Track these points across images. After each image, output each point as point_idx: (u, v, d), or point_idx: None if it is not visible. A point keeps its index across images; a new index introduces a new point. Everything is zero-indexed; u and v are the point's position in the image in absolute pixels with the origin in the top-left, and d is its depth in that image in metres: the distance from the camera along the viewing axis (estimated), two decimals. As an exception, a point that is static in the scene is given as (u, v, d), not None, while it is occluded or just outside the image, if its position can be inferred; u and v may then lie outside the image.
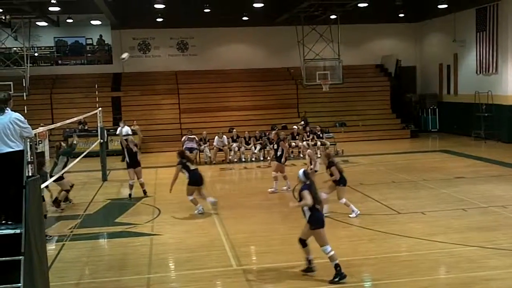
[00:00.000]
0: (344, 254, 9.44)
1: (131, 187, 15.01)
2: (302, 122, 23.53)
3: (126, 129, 22.17)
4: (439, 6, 25.64)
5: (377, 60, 31.78)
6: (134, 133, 24.88)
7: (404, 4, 25.66)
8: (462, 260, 8.88)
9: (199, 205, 12.61)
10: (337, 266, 8.10)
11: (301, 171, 8.60)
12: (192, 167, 12.56)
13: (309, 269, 8.45)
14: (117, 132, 22.65)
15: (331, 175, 11.66)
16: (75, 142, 15.32)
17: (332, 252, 8.16)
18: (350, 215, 11.78)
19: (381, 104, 29.99)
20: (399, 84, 31.01)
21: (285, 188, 15.09)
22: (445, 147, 23.68)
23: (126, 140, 15.63)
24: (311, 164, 13.49)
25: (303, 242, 8.42)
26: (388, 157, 21.17)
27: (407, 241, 10.06)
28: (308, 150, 14.17)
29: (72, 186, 14.32)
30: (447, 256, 9.14)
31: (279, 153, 15.11)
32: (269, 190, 14.98)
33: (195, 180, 12.50)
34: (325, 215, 8.92)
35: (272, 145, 16.86)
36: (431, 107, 30.08)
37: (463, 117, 27.06)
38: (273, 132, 17.98)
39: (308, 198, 8.14)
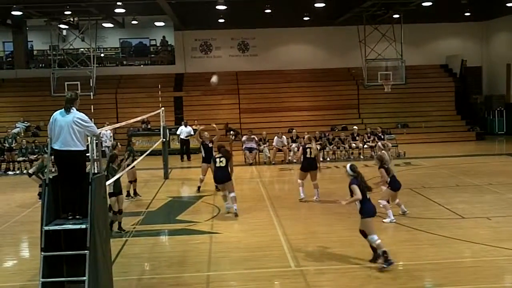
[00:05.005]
0: (406, 258, 9.24)
1: (201, 181, 15.65)
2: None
3: (189, 129, 22.75)
4: (508, 4, 24.64)
5: (441, 60, 30.92)
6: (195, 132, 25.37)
7: (470, 3, 24.81)
8: (531, 268, 8.50)
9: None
10: (384, 252, 8.44)
11: (348, 166, 8.97)
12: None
13: (375, 259, 8.70)
14: (178, 132, 23.39)
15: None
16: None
17: (379, 241, 8.56)
18: (384, 220, 11.34)
19: (445, 105, 29.17)
20: (464, 85, 30.06)
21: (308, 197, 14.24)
22: (513, 150, 22.77)
23: (201, 137, 16.05)
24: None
25: (363, 233, 8.85)
26: (452, 160, 20.53)
27: (472, 246, 9.70)
28: (382, 151, 13.40)
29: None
30: (515, 264, 8.77)
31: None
32: (314, 198, 14.21)
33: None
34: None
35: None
36: (498, 109, 28.97)
37: (533, 120, 25.94)
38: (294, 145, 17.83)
39: (357, 193, 8.61)
